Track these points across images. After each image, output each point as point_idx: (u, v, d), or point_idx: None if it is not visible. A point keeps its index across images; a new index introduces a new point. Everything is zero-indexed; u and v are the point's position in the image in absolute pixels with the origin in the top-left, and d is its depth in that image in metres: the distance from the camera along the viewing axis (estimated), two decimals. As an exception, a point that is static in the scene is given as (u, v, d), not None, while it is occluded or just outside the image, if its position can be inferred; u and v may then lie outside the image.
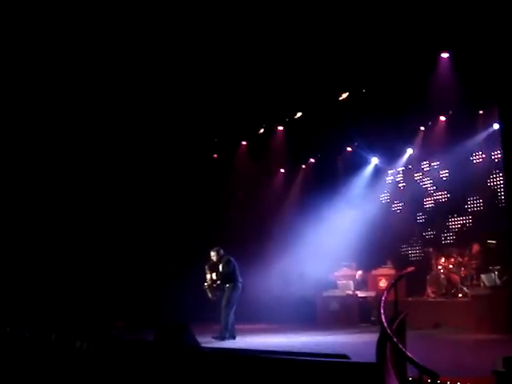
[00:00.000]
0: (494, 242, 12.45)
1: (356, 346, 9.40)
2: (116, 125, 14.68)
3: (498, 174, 13.37)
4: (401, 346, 5.30)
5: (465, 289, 12.36)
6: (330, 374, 5.84)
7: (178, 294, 14.16)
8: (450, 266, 12.91)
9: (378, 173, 16.07)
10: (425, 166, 15.46)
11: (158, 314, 13.31)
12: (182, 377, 6.80)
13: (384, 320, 5.51)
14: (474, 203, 14.20)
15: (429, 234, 15.13)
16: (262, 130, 15.90)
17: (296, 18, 11.41)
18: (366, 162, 15.92)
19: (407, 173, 15.86)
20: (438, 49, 11.95)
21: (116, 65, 13.08)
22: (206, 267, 11.35)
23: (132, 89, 13.71)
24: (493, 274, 11.25)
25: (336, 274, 14.84)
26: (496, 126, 12.68)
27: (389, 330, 5.37)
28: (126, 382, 7.36)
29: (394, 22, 11.12)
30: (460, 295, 12.39)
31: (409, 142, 15.02)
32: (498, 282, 11.11)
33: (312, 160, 16.84)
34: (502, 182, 13.14)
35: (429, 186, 15.33)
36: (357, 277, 14.49)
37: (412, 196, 15.58)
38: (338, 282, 14.53)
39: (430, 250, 13.82)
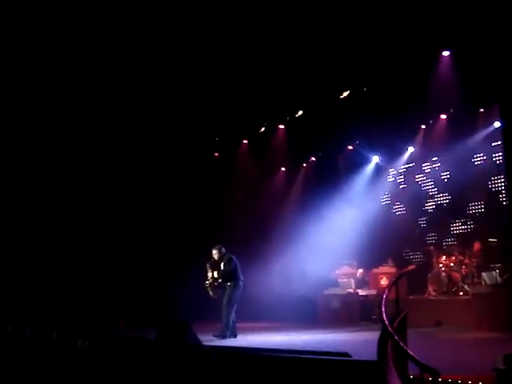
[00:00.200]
0: (495, 240, 12.47)
1: (357, 344, 9.41)
2: (117, 124, 14.69)
3: (500, 176, 13.29)
4: (402, 344, 5.31)
5: (466, 287, 12.37)
6: (331, 372, 5.85)
7: (179, 292, 14.18)
8: (451, 264, 12.93)
9: (379, 171, 16.07)
10: (426, 167, 15.42)
11: (160, 312, 13.33)
12: (183, 375, 6.81)
13: (385, 318, 5.51)
14: (475, 206, 14.12)
15: (430, 236, 15.06)
16: (263, 129, 15.91)
17: (297, 17, 11.41)
18: (366, 161, 15.92)
19: (408, 174, 15.83)
20: (439, 47, 11.95)
21: (116, 64, 13.09)
22: (208, 265, 11.36)
23: (133, 88, 13.72)
24: (494, 272, 11.27)
25: (337, 272, 14.86)
26: (496, 125, 12.69)
27: (390, 328, 5.38)
28: (128, 381, 7.37)
29: (394, 21, 11.12)
30: (461, 293, 12.41)
31: (410, 141, 15.01)
32: (498, 280, 11.12)
33: (313, 158, 16.84)
34: (503, 184, 13.09)
35: (430, 187, 15.29)
36: (358, 275, 14.51)
37: (413, 197, 15.54)
38: (339, 280, 14.55)
39: (431, 248, 13.84)
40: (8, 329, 9.06)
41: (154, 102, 14.26)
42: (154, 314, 13.41)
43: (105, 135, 14.90)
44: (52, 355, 8.35)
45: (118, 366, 7.64)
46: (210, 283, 11.25)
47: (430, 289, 13.03)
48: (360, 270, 14.57)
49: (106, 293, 14.63)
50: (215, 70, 13.00)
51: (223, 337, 10.55)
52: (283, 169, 17.31)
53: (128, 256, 15.39)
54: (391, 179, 16.26)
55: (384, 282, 13.62)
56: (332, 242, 14.13)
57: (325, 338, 10.68)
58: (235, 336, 10.79)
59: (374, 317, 12.71)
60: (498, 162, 13.37)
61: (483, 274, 11.58)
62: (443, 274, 12.97)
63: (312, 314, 14.30)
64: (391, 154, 15.55)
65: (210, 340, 9.75)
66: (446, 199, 14.86)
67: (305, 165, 17.02)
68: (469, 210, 14.24)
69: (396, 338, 5.28)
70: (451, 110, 13.74)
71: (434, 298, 12.80)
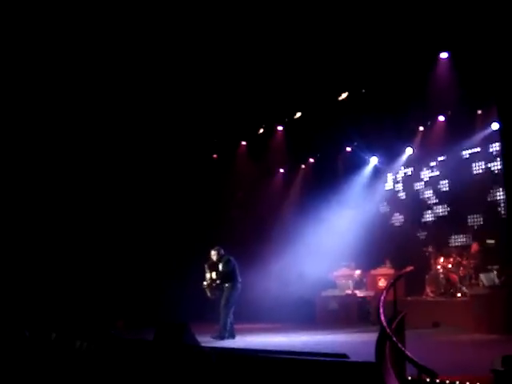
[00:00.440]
0: (492, 241, 12.48)
1: (355, 345, 9.41)
2: (116, 126, 14.70)
3: (498, 187, 13.20)
4: (400, 345, 5.33)
5: (464, 288, 12.37)
6: (329, 374, 5.86)
7: (177, 294, 14.18)
8: (449, 266, 12.92)
9: (378, 173, 16.07)
10: (424, 176, 15.34)
11: (158, 314, 13.33)
12: (181, 376, 6.82)
13: (383, 319, 5.53)
14: (474, 219, 14.02)
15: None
16: (261, 130, 15.93)
17: (295, 19, 11.43)
18: (365, 162, 15.93)
19: (406, 181, 15.78)
20: (437, 49, 11.98)
21: (116, 65, 13.10)
22: (206, 266, 11.36)
23: (132, 90, 13.73)
24: (491, 274, 11.26)
25: (335, 273, 14.86)
26: (494, 127, 12.72)
27: (388, 330, 5.40)
28: (126, 382, 7.38)
29: (393, 23, 11.15)
30: (459, 295, 12.41)
31: (408, 142, 15.02)
32: (496, 281, 11.12)
33: (311, 160, 16.85)
34: (502, 196, 12.97)
35: (429, 196, 15.18)
36: (355, 276, 14.51)
37: (411, 208, 15.47)
38: (337, 281, 14.55)
39: (429, 249, 13.83)
40: (7, 330, 9.06)
41: (153, 104, 14.27)
42: (152, 315, 13.42)
43: (105, 137, 14.91)
44: (50, 356, 8.36)
45: (117, 367, 7.65)
46: (208, 284, 11.25)
47: (428, 290, 13.03)
48: (357, 272, 14.57)
49: (104, 294, 14.63)
50: (214, 72, 13.02)
51: (221, 338, 10.56)
52: (282, 170, 17.32)
53: (126, 257, 15.39)
54: (389, 186, 16.18)
55: (382, 283, 13.62)
56: (330, 244, 14.14)
57: (323, 340, 10.68)
58: (233, 337, 10.79)
59: (371, 318, 12.70)
60: (496, 172, 13.32)
61: (481, 275, 11.57)
62: (441, 275, 12.96)
63: (310, 315, 14.29)
64: (390, 155, 15.55)
65: (208, 341, 9.76)
66: (446, 211, 14.74)
67: (303, 166, 17.02)
68: (468, 223, 14.09)
69: (394, 339, 5.30)
70: (449, 112, 13.76)
71: (431, 299, 12.80)
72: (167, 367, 7.07)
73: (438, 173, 15.00)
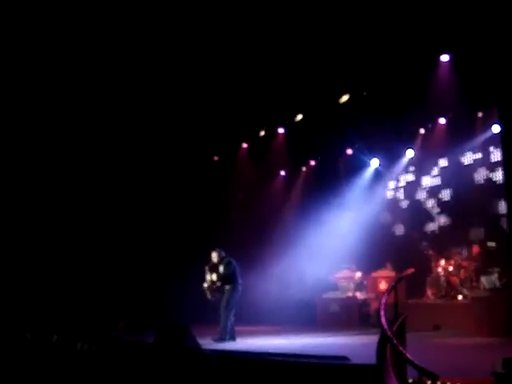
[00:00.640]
0: (493, 244, 12.48)
1: (356, 347, 9.41)
2: (117, 127, 14.72)
3: (501, 198, 12.95)
4: (401, 347, 5.33)
5: (464, 291, 12.36)
6: (330, 376, 5.85)
7: (178, 296, 14.18)
8: (450, 268, 12.91)
9: (379, 175, 16.06)
10: (425, 185, 15.22)
11: (159, 316, 13.34)
12: (182, 379, 6.81)
13: (384, 322, 5.53)
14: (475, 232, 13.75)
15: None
16: (262, 133, 15.93)
17: (297, 21, 11.46)
18: (366, 165, 15.93)
19: (408, 188, 15.67)
20: (438, 51, 12.00)
21: (116, 67, 13.12)
22: (206, 268, 11.37)
23: (133, 91, 13.75)
24: (492, 276, 11.26)
25: (336, 275, 14.85)
26: (495, 130, 12.72)
27: (389, 332, 5.40)
28: (127, 384, 7.38)
29: (393, 25, 11.17)
30: (460, 297, 12.39)
31: (409, 145, 15.02)
32: (497, 284, 11.12)
33: (312, 162, 16.85)
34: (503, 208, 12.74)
35: (431, 205, 15.09)
36: (356, 279, 14.51)
37: (413, 218, 15.37)
38: (338, 283, 14.55)
39: (430, 252, 13.83)
40: (8, 331, 9.07)
41: (154, 106, 14.29)
42: (153, 317, 13.42)
43: (105, 138, 14.92)
44: (51, 358, 8.36)
45: (117, 370, 7.65)
46: (209, 286, 11.26)
47: (429, 293, 13.02)
48: (358, 274, 14.57)
49: (105, 296, 14.63)
50: (215, 74, 13.04)
51: (222, 340, 10.56)
52: (283, 172, 17.32)
53: (127, 259, 15.40)
54: (391, 193, 16.09)
55: (383, 285, 13.63)
56: (331, 246, 14.13)
57: (324, 342, 10.69)
58: (234, 339, 10.80)
59: (372, 321, 12.69)
60: (497, 183, 13.19)
61: (482, 277, 11.57)
62: (442, 277, 12.95)
63: (311, 317, 14.29)
64: (391, 157, 15.54)
65: (209, 343, 9.76)
66: (447, 222, 14.61)
67: (304, 168, 17.02)
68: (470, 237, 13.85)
69: (395, 341, 5.30)
70: (450, 115, 13.76)
71: (432, 301, 12.79)
72: (168, 369, 7.07)
73: (439, 182, 14.82)
